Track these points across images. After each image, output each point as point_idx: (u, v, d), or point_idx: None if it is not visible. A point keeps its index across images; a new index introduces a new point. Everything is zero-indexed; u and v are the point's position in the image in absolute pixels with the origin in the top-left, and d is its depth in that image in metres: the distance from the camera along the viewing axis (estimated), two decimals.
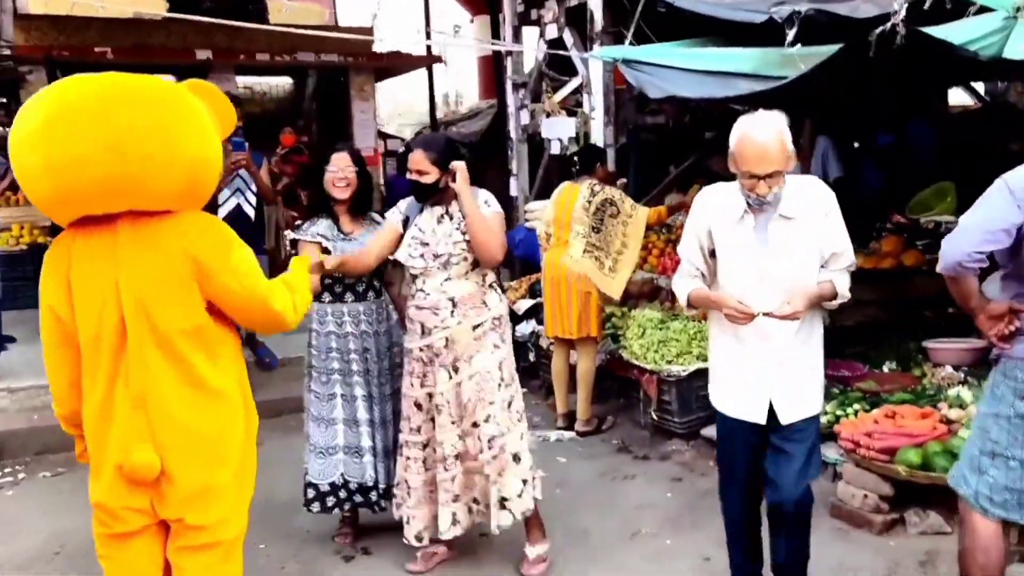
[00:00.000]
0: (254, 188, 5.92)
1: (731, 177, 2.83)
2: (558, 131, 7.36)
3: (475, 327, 3.41)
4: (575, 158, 5.62)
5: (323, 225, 3.78)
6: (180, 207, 2.31)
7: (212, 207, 5.69)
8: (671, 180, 7.45)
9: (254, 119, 13.00)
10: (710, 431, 4.86)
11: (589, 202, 5.19)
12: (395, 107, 22.60)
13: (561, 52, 7.19)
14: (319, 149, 11.92)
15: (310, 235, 3.74)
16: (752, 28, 4.51)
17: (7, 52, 9.66)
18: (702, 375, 4.95)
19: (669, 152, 8.15)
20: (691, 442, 5.00)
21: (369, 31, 11.43)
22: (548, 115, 7.58)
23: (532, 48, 7.86)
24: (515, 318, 6.59)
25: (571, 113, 7.48)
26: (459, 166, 3.32)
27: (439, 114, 18.95)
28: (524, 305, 6.55)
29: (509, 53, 8.12)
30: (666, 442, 5.12)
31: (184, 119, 2.25)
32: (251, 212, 5.90)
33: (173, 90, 2.33)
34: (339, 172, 3.72)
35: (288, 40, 10.14)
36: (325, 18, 12.70)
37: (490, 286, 3.49)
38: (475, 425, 3.43)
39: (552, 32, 7.49)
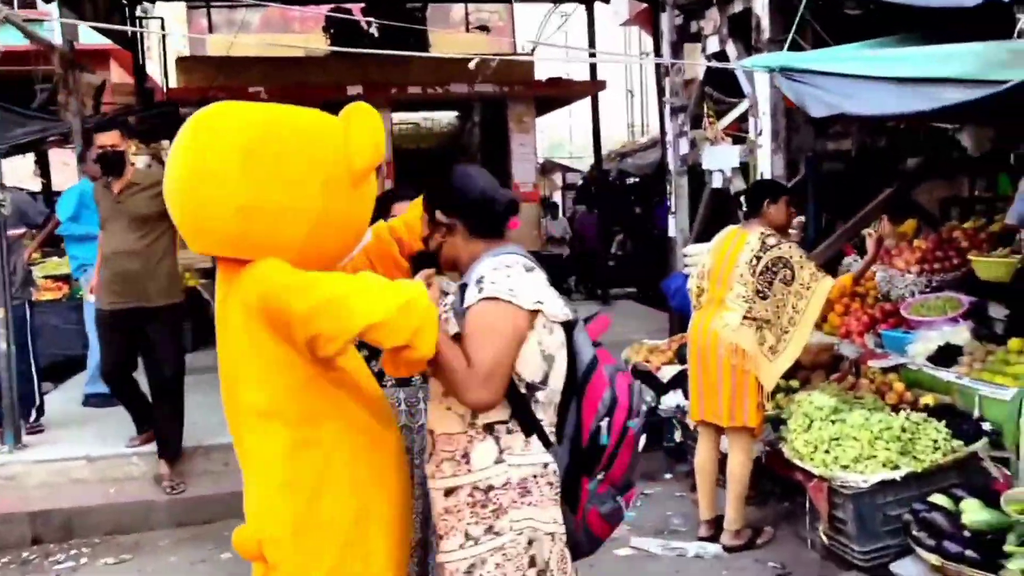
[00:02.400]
0: None
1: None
2: (720, 161, 6.21)
3: (447, 492, 2.07)
4: (741, 197, 4.43)
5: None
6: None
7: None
8: (862, 217, 6.05)
9: (419, 154, 12.74)
10: (904, 568, 3.56)
11: (757, 258, 3.99)
12: (580, 136, 21.97)
13: (709, 64, 6.05)
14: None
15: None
16: (963, 15, 3.23)
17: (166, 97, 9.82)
18: (890, 488, 3.68)
19: (857, 184, 6.71)
20: None
21: (525, 61, 10.73)
22: (711, 143, 6.45)
23: (688, 63, 6.76)
24: (659, 387, 5.49)
25: (738, 141, 6.30)
26: (425, 275, 2.13)
27: (617, 145, 18.10)
28: (670, 371, 5.42)
29: (666, 72, 7.06)
30: (842, 574, 3.85)
31: (241, 162, 1.95)
32: None
33: (236, 127, 2.00)
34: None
35: (443, 71, 9.67)
36: (487, 48, 12.20)
37: (484, 430, 2.03)
38: None
39: (714, 45, 6.36)
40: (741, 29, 5.96)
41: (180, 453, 5.02)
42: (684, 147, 6.97)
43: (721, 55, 6.25)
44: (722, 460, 4.32)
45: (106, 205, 4.87)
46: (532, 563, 2.00)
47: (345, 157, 2.04)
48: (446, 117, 12.94)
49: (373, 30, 10.30)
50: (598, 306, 11.00)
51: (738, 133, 6.39)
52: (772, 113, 5.49)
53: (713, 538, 4.28)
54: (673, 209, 7.10)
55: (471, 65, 4.41)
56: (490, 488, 2.00)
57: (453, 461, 2.04)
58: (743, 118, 6.17)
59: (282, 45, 10.55)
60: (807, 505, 4.02)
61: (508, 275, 1.99)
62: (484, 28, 13.56)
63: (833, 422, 3.93)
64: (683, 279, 6.32)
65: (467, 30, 17.30)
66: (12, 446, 5.24)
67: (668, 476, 5.30)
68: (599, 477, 2.06)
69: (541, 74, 11.16)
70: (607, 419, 2.00)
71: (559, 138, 25.66)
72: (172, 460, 4.96)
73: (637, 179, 15.17)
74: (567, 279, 13.46)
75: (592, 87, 10.74)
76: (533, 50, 10.78)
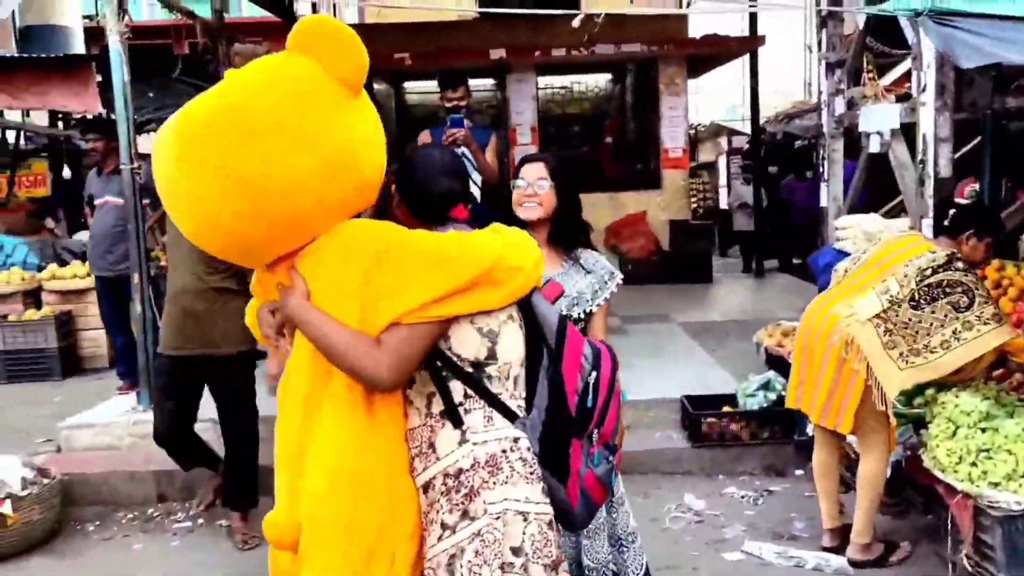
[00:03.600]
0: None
1: None
2: (877, 122, 5.50)
3: (424, 488, 1.92)
4: (951, 211, 3.84)
5: None
6: None
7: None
8: None
9: (566, 119, 12.42)
10: None
11: (934, 271, 3.45)
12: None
13: (831, 8, 5.32)
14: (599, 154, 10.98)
15: None
16: None
17: None
18: None
19: None
20: None
21: (678, 17, 10.11)
22: (870, 102, 5.75)
23: (846, 10, 6.04)
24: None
25: (903, 99, 5.58)
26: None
27: (790, 105, 16.92)
28: None
29: (823, 22, 6.36)
30: None
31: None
32: (477, 194, 5.31)
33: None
34: (527, 187, 2.67)
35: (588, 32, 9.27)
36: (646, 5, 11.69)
37: (441, 416, 1.91)
38: None
39: None
40: None
41: (255, 504, 4.26)
42: (840, 107, 6.27)
43: None
44: (855, 461, 3.84)
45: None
46: (506, 547, 1.85)
47: (329, 76, 1.81)
48: (598, 80, 12.49)
49: None
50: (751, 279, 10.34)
51: (904, 90, 5.67)
52: (938, 64, 4.74)
53: (839, 549, 3.80)
54: (825, 176, 6.43)
55: (574, 23, 4.06)
56: (460, 472, 1.89)
57: (421, 455, 1.93)
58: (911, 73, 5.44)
59: (432, 9, 10.42)
60: (949, 523, 3.47)
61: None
62: None
63: (984, 430, 3.35)
64: (833, 254, 5.72)
65: None
66: (147, 404, 5.45)
67: (799, 472, 4.81)
68: (593, 437, 1.99)
69: (697, 31, 10.49)
70: (594, 373, 1.96)
71: (731, 101, 24.44)
72: (245, 512, 4.26)
73: (805, 142, 14.12)
74: (733, 250, 12.77)
75: (750, 43, 9.99)
76: (688, 4, 10.13)
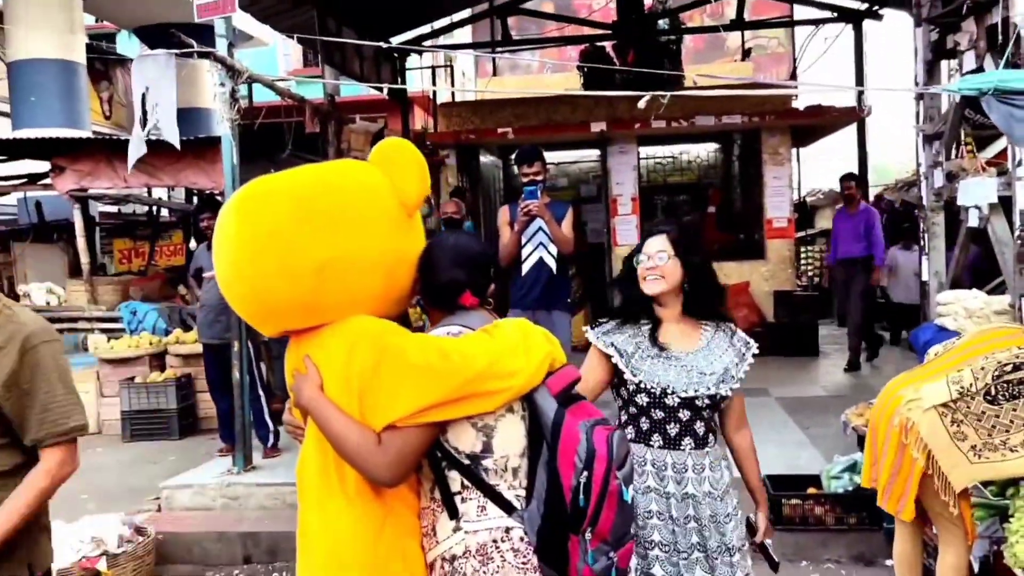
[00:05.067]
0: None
1: None
2: (975, 196, 5.32)
3: (429, 567, 1.99)
4: None
5: (632, 331, 2.64)
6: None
7: (517, 263, 5.47)
8: None
9: (676, 188, 12.44)
10: None
11: (1013, 366, 3.27)
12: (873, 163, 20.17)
13: (920, 89, 5.19)
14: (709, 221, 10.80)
15: (602, 341, 2.63)
16: None
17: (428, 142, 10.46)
18: None
19: None
20: None
21: (787, 90, 10.05)
22: (967, 175, 5.57)
23: (941, 90, 5.89)
24: None
25: (1003, 173, 5.37)
26: None
27: (907, 174, 16.37)
28: None
29: (920, 96, 6.22)
30: None
31: (296, 222, 1.90)
32: (553, 265, 5.61)
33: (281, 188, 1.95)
34: (648, 261, 2.62)
35: (689, 105, 9.36)
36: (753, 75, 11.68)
37: (442, 503, 1.97)
38: None
39: (970, 62, 5.50)
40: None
41: None
42: (939, 179, 6.08)
43: (979, 72, 5.37)
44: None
45: None
46: None
47: (393, 193, 2.01)
48: (702, 150, 12.50)
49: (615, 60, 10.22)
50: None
51: (1005, 164, 5.45)
52: None
53: None
54: (927, 251, 6.21)
55: (640, 104, 4.14)
56: (454, 558, 1.93)
57: (427, 536, 1.99)
58: None
59: (538, 89, 10.78)
60: None
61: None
62: (747, 53, 12.95)
63: None
64: (934, 330, 5.49)
65: (743, 58, 16.71)
66: (241, 468, 5.75)
67: (889, 563, 4.56)
68: (587, 535, 1.90)
69: (803, 102, 10.39)
70: (586, 473, 1.86)
71: (848, 167, 23.80)
72: None
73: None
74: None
75: (855, 114, 9.79)
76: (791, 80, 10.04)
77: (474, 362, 1.86)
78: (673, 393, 2.52)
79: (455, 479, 1.94)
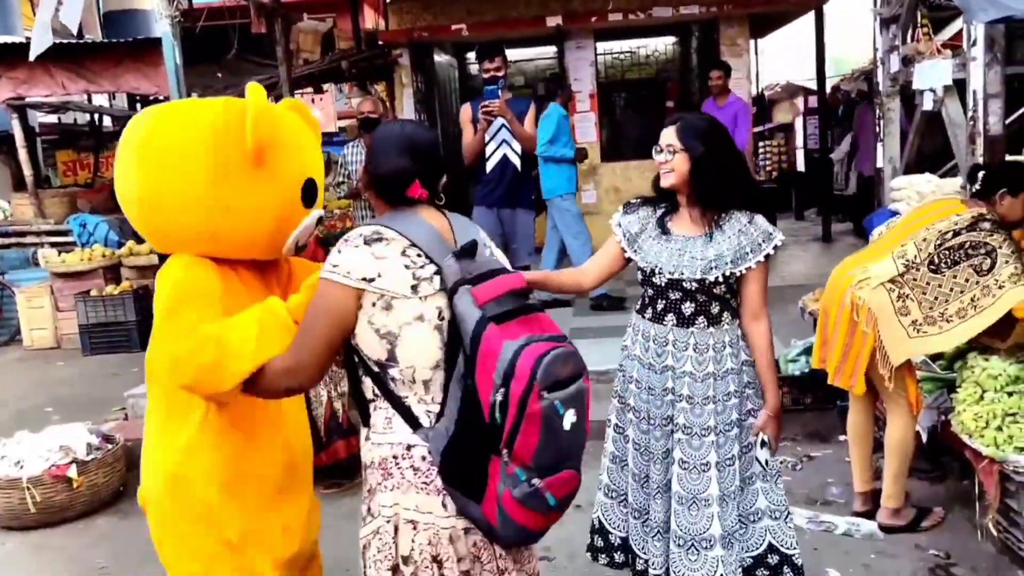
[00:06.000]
0: None
1: None
2: (930, 79, 5.33)
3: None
4: (978, 173, 3.69)
5: (646, 214, 2.74)
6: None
7: (481, 160, 5.45)
8: None
9: (634, 84, 12.28)
10: None
11: (955, 232, 3.36)
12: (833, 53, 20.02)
13: None
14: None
15: (615, 220, 2.77)
16: None
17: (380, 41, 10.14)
18: None
19: None
20: None
21: None
22: (923, 59, 5.56)
23: None
24: None
25: (958, 55, 5.37)
26: None
27: (865, 62, 16.31)
28: None
29: None
30: (1019, 572, 3.24)
31: (137, 160, 2.10)
32: (517, 162, 5.63)
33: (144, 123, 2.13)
34: (660, 155, 2.65)
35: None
36: None
37: (360, 409, 1.99)
38: None
39: None
40: None
41: None
42: (895, 64, 6.07)
43: None
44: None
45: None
46: (398, 553, 1.88)
47: (240, 139, 2.02)
48: (660, 44, 12.30)
49: None
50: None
51: (959, 46, 5.46)
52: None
53: (870, 514, 3.77)
54: (881, 136, 6.25)
55: None
56: (365, 467, 1.96)
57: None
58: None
59: None
60: (977, 488, 3.42)
61: (339, 250, 1.88)
62: None
63: (1011, 394, 3.27)
64: (888, 216, 5.59)
65: None
66: None
67: (842, 438, 4.74)
68: (505, 457, 1.77)
69: None
70: (503, 391, 1.72)
71: (806, 60, 23.63)
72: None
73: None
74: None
75: (813, 1, 9.66)
76: None
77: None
78: (660, 273, 2.63)
79: (367, 386, 1.92)
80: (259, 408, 2.12)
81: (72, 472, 4.33)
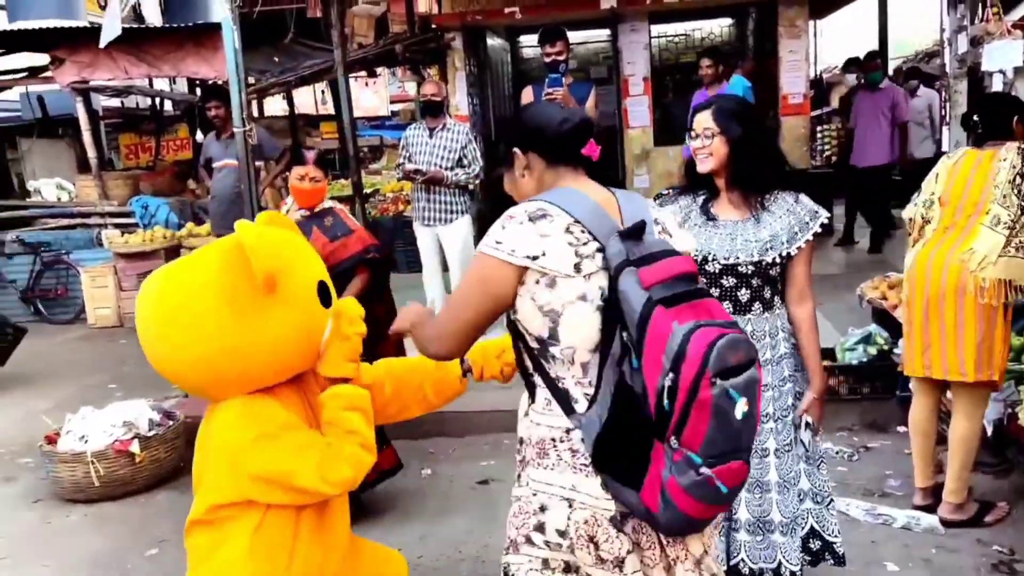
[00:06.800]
0: None
1: None
2: (1000, 60, 5.15)
3: None
4: (973, 117, 3.66)
5: (686, 202, 2.73)
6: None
7: None
8: None
9: (689, 67, 12.08)
10: None
11: (1020, 175, 3.33)
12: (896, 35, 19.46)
13: None
14: None
15: (665, 210, 2.61)
16: None
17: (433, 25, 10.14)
18: None
19: None
20: None
21: None
22: (993, 39, 5.36)
23: None
24: (895, 328, 4.80)
25: None
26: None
27: (928, 44, 15.85)
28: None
29: None
30: None
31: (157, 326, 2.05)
32: None
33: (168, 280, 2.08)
34: (696, 140, 2.63)
35: None
36: None
37: (525, 382, 2.01)
38: None
39: None
40: None
41: None
42: (963, 45, 5.85)
43: None
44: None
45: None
46: (540, 528, 1.86)
47: (246, 276, 1.98)
48: (717, 26, 12.10)
49: None
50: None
51: None
52: None
53: (931, 508, 3.69)
54: (948, 120, 6.06)
55: None
56: (521, 440, 1.96)
57: None
58: None
59: None
60: None
61: (503, 226, 1.82)
62: None
63: None
64: None
65: None
66: None
67: (901, 429, 4.65)
68: (673, 444, 1.68)
69: None
70: (672, 375, 1.64)
71: (866, 42, 23.04)
72: None
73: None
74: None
75: None
76: None
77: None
78: (714, 260, 2.59)
79: (527, 363, 1.92)
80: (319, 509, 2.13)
81: (135, 447, 4.45)
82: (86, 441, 4.47)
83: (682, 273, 1.75)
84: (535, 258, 1.77)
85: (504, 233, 1.81)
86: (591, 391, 1.81)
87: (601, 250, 1.79)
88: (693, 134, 2.61)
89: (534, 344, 1.86)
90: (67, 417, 4.73)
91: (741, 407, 1.64)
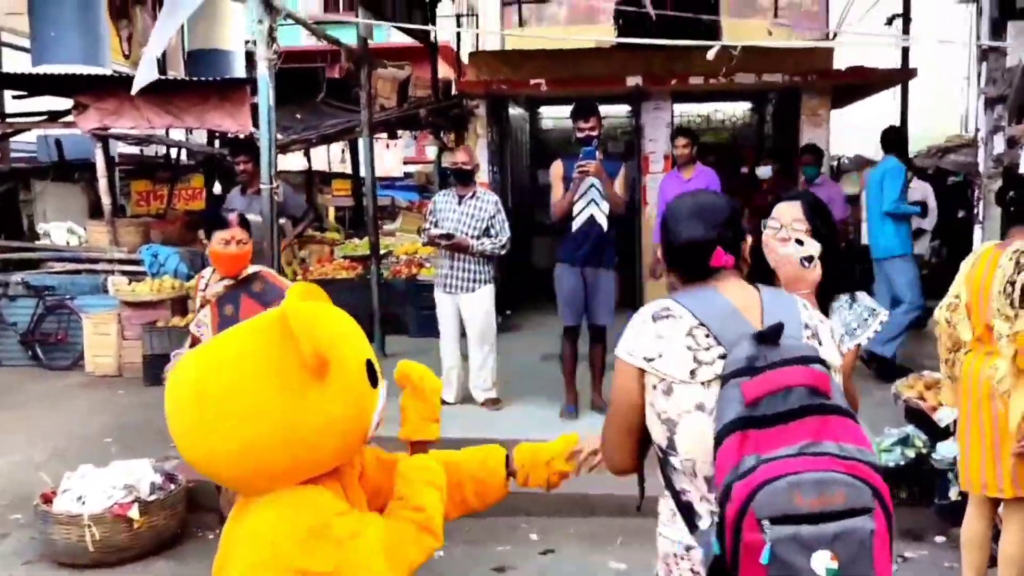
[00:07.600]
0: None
1: None
2: None
3: None
4: (1008, 194, 3.47)
5: None
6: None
7: (566, 219, 5.59)
8: None
9: (709, 148, 12.13)
10: None
11: (1011, 284, 3.14)
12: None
13: (990, 43, 4.94)
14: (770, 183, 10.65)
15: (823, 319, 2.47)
16: None
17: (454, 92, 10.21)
18: None
19: None
20: None
21: (824, 49, 9.70)
22: None
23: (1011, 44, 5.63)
24: (934, 431, 4.65)
25: None
26: None
27: (944, 139, 15.99)
28: (950, 414, 4.54)
29: (983, 55, 5.96)
30: None
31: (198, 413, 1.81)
32: (604, 223, 5.56)
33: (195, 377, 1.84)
34: (782, 231, 2.44)
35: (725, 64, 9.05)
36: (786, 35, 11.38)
37: (663, 487, 1.95)
38: None
39: None
40: None
41: None
42: (999, 145, 5.84)
43: None
44: (997, 534, 3.50)
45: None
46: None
47: (293, 353, 1.78)
48: (738, 109, 12.20)
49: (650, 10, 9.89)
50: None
51: None
52: None
53: None
54: (981, 218, 5.99)
55: (709, 55, 3.95)
56: (657, 552, 1.90)
57: None
58: None
59: (570, 39, 10.50)
60: None
61: (632, 327, 1.76)
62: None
63: None
64: None
65: (775, 15, 16.26)
66: None
67: (939, 539, 4.45)
68: None
69: (843, 62, 10.06)
70: (718, 511, 1.52)
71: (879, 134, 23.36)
72: None
73: (959, 178, 13.28)
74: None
75: (899, 75, 9.48)
76: (834, 36, 9.71)
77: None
78: None
79: (659, 471, 1.83)
80: None
81: (134, 512, 4.23)
82: (83, 502, 4.25)
83: (797, 385, 1.55)
84: (650, 360, 1.69)
85: (629, 332, 1.77)
86: (712, 508, 1.66)
87: (724, 356, 1.64)
88: (778, 224, 2.45)
89: (659, 453, 1.78)
90: (65, 475, 4.51)
91: (822, 562, 1.41)
